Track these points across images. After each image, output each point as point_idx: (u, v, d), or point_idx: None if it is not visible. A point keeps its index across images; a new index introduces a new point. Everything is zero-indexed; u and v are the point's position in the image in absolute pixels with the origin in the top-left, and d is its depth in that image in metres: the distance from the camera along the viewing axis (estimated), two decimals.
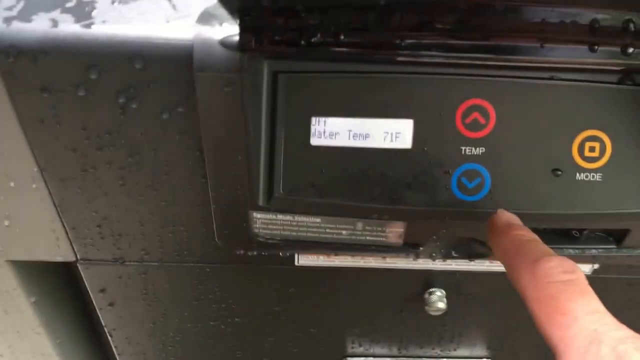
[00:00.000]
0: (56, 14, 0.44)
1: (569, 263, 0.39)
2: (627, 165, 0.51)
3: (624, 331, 0.35)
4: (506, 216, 0.47)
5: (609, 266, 0.64)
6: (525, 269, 0.40)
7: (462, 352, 0.80)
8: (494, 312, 0.73)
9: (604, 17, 0.43)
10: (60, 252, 0.63)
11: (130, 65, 0.46)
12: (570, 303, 0.37)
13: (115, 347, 0.79)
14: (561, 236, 0.59)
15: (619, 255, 0.59)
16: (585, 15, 0.43)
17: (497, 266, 0.64)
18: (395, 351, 0.80)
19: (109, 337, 0.77)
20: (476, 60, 0.46)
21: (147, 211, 0.58)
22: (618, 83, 0.49)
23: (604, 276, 0.65)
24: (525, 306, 0.39)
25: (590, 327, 0.35)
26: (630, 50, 0.43)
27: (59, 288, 0.74)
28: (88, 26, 0.44)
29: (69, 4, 0.45)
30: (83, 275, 0.67)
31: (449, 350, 0.80)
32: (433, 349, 0.80)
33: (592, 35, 0.43)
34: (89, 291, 0.69)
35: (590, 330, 0.35)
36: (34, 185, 0.55)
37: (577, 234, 0.59)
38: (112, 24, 0.44)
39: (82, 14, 0.45)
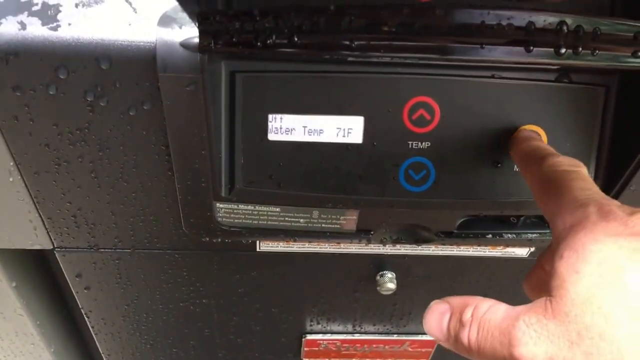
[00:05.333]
0: (24, 17, 0.43)
1: (574, 160, 0.42)
2: None
3: (612, 200, 0.37)
4: (526, 132, 0.49)
5: (544, 249, 0.62)
6: (535, 164, 0.43)
7: (411, 328, 0.81)
8: (439, 292, 0.73)
9: (539, 19, 0.42)
10: (38, 240, 0.62)
11: (97, 66, 0.44)
12: (569, 182, 0.39)
13: (92, 327, 0.79)
14: (500, 222, 0.60)
15: (551, 238, 0.58)
16: (522, 18, 0.42)
17: (441, 250, 0.65)
18: (350, 328, 0.81)
19: (86, 318, 0.77)
20: (421, 60, 0.45)
21: (119, 202, 0.57)
22: (555, 81, 0.49)
23: None
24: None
25: (581, 197, 0.37)
26: (563, 50, 0.42)
27: (38, 273, 0.74)
28: (55, 29, 0.43)
29: (35, 8, 0.43)
30: (60, 262, 0.67)
31: (399, 327, 0.81)
32: (385, 325, 0.81)
33: (528, 37, 0.42)
34: (66, 276, 0.69)
35: (582, 199, 0.37)
36: (10, 179, 0.54)
37: (514, 220, 0.59)
38: (78, 27, 0.43)
39: (48, 16, 0.43)
